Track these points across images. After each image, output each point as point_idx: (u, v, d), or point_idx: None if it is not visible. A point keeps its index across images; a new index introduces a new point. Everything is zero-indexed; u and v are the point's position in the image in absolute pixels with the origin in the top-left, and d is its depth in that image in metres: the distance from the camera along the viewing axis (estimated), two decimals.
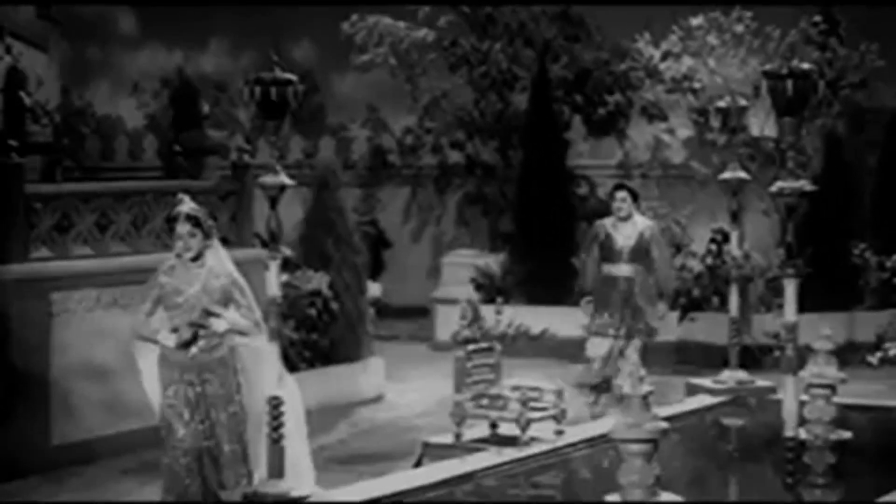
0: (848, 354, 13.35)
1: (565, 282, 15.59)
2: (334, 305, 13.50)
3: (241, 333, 7.91)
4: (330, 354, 13.49)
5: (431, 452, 8.23)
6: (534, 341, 16.29)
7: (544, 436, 8.14)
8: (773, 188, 7.04)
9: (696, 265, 16.41)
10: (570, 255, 15.75)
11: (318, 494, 7.03)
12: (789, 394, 7.07)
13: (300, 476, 7.46)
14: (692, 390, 10.04)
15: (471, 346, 8.25)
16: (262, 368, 7.44)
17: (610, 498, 5.26)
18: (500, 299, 13.02)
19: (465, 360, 8.21)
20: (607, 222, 11.52)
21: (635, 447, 5.16)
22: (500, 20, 20.56)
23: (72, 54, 23.60)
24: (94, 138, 23.10)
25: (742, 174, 10.06)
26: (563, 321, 15.77)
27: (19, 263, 10.80)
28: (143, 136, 23.11)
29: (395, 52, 20.93)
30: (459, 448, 8.04)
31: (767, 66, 7.00)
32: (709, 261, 16.33)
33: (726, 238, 13.24)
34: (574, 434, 8.32)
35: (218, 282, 7.89)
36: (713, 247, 16.41)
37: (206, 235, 7.94)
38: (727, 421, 9.55)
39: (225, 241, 9.62)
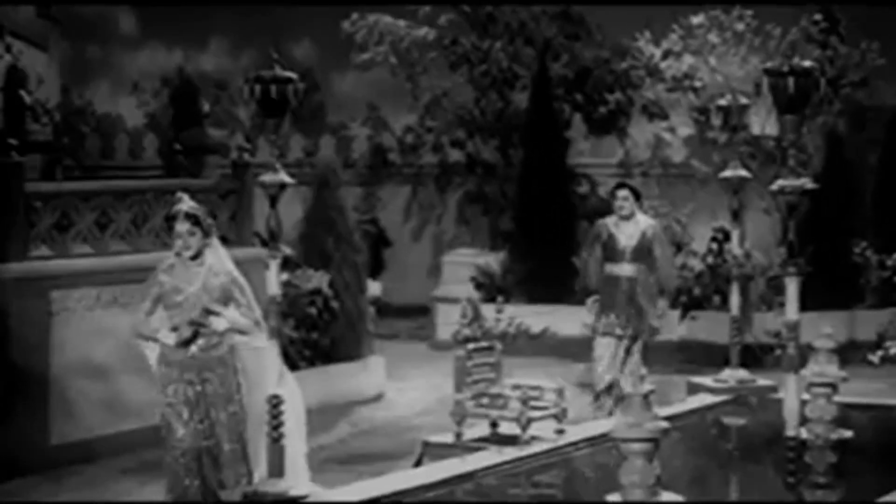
0: (849, 353, 13.28)
1: (566, 281, 15.60)
2: (334, 304, 13.49)
3: (241, 332, 7.90)
4: (330, 353, 13.49)
5: (432, 452, 8.22)
6: (534, 340, 16.27)
7: (545, 435, 8.12)
8: (774, 186, 7.02)
9: (696, 264, 16.40)
10: (571, 254, 15.74)
11: (317, 494, 7.01)
12: (790, 393, 7.04)
13: (299, 475, 7.45)
14: (693, 389, 10.02)
15: (471, 345, 8.24)
16: (263, 368, 7.42)
17: (611, 497, 5.24)
18: (500, 298, 13.09)
19: (465, 359, 8.19)
20: (609, 221, 11.46)
21: (636, 446, 5.14)
22: (500, 19, 20.57)
23: (72, 53, 23.59)
24: (95, 137, 23.10)
25: (743, 172, 10.04)
26: (563, 320, 15.78)
27: (19, 262, 10.79)
28: (143, 135, 23.11)
29: (395, 51, 20.93)
30: (460, 447, 8.03)
31: (769, 64, 6.98)
32: (710, 259, 16.32)
33: (727, 237, 13.24)
34: (575, 433, 8.30)
35: (217, 280, 7.88)
36: (714, 245, 16.41)
37: (206, 234, 7.93)
38: (728, 420, 9.53)
39: (225, 240, 9.61)
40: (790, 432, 7.02)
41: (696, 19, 19.72)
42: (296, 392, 7.74)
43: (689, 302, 15.99)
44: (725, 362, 10.03)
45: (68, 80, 22.24)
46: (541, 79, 18.63)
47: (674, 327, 15.20)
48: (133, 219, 11.71)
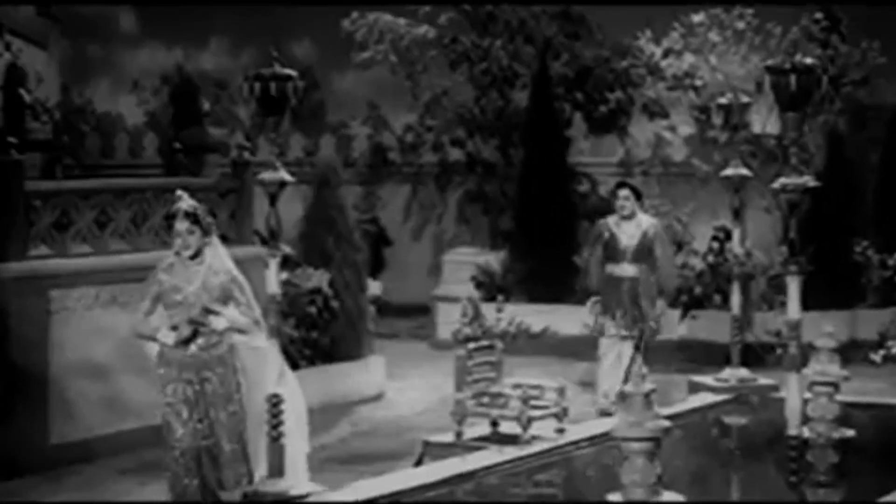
0: (850, 352, 13.25)
1: (566, 280, 15.58)
2: (334, 303, 13.47)
3: (241, 331, 7.88)
4: (330, 352, 13.47)
5: (432, 451, 8.21)
6: (534, 339, 16.25)
7: (545, 434, 8.11)
8: (776, 184, 7.01)
9: (697, 263, 16.37)
10: (571, 253, 15.72)
11: (317, 493, 7.00)
12: (792, 392, 7.03)
13: (299, 475, 7.44)
14: (694, 388, 10.03)
15: (471, 345, 8.23)
16: (263, 367, 7.41)
17: (612, 497, 5.23)
18: (500, 297, 13.05)
19: (465, 358, 8.18)
20: (610, 221, 11.42)
21: (637, 445, 5.13)
22: (500, 17, 20.53)
23: (72, 52, 23.57)
24: (94, 135, 23.07)
25: (744, 171, 10.04)
26: (564, 319, 15.76)
27: (18, 261, 10.77)
28: (143, 134, 23.08)
29: (395, 50, 20.91)
30: (460, 447, 8.02)
31: (770, 62, 6.96)
32: (710, 258, 16.29)
33: (728, 235, 13.22)
34: (575, 432, 8.29)
35: (217, 279, 7.86)
36: (715, 244, 16.38)
37: (205, 232, 7.91)
38: (729, 419, 9.52)
39: (225, 239, 9.59)
40: (792, 431, 7.01)
41: (697, 18, 19.70)
42: (297, 391, 7.73)
43: (690, 301, 15.96)
44: (726, 361, 10.03)
45: (68, 79, 22.22)
46: (541, 77, 18.61)
47: (675, 326, 15.18)
48: (133, 217, 11.69)
